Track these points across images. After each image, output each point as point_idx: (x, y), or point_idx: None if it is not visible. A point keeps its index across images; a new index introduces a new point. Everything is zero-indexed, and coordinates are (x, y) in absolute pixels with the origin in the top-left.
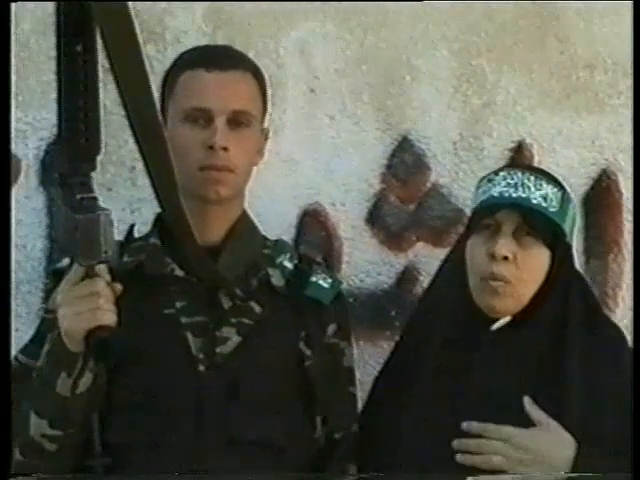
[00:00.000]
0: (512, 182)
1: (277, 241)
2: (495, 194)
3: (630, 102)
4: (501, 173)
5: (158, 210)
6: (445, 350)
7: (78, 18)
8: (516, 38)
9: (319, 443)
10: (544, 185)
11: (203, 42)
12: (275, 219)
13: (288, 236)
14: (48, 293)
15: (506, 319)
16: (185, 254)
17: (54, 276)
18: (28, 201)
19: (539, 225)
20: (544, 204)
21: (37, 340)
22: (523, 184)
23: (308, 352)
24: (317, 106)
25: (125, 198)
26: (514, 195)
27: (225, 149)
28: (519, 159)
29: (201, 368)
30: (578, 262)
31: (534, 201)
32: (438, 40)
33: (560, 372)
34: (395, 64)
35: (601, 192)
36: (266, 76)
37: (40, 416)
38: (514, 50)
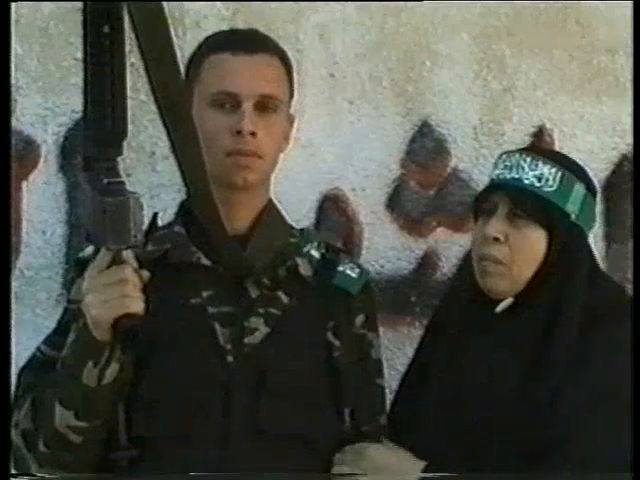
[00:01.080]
0: (509, 164)
1: (304, 229)
2: (494, 177)
3: None
4: (503, 156)
5: (177, 196)
6: (453, 334)
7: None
8: (537, 22)
9: (347, 435)
10: (540, 165)
11: (223, 27)
12: (295, 204)
13: (308, 221)
14: (71, 282)
15: (509, 301)
16: (213, 242)
17: (77, 265)
18: (47, 187)
19: (531, 205)
20: (537, 184)
21: (60, 331)
22: (518, 165)
23: (337, 343)
24: (337, 91)
25: (145, 184)
26: (507, 177)
27: (253, 134)
28: (540, 144)
29: (229, 359)
30: (599, 247)
31: (526, 181)
32: (458, 24)
33: (553, 360)
34: (415, 49)
35: (622, 177)
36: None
37: (66, 407)
38: (534, 34)
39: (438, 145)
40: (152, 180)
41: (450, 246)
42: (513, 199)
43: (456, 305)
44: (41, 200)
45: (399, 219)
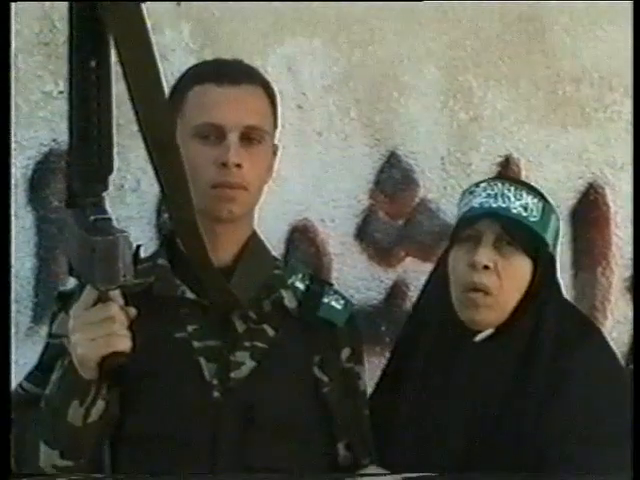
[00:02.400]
0: (492, 193)
1: (287, 261)
2: (476, 205)
3: (621, 114)
4: (482, 185)
5: (147, 229)
6: (430, 365)
7: (92, 33)
8: (502, 53)
9: (344, 468)
10: (524, 195)
11: (190, 59)
12: (265, 235)
13: (277, 252)
14: (52, 317)
15: (489, 331)
16: (198, 275)
17: (59, 299)
18: (16, 220)
19: (519, 234)
20: (524, 214)
21: (42, 367)
22: (503, 194)
23: (324, 378)
24: (305, 122)
25: (113, 216)
26: (494, 205)
27: (239, 166)
28: (507, 173)
29: (215, 394)
30: (567, 275)
31: (514, 211)
32: (425, 56)
33: (534, 386)
34: (382, 80)
35: (589, 205)
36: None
37: (50, 446)
38: (500, 65)
39: (406, 175)
40: (121, 213)
41: (419, 276)
42: (504, 227)
43: (428, 335)
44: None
45: (368, 249)
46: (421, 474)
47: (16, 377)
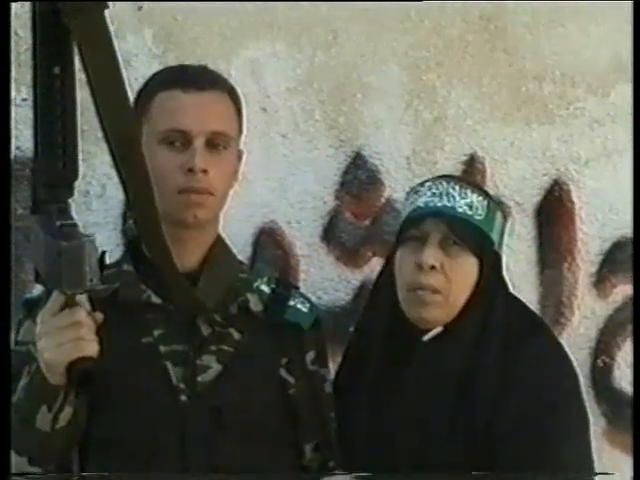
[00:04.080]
0: (437, 192)
1: (253, 265)
2: (421, 204)
3: (584, 111)
4: (427, 184)
5: (112, 234)
6: (379, 365)
7: (56, 39)
8: (465, 52)
9: (312, 470)
10: (469, 194)
11: (154, 64)
12: (231, 239)
13: (244, 255)
14: (18, 324)
15: (438, 330)
16: (164, 281)
17: (25, 306)
18: None
19: (465, 233)
20: (469, 212)
21: None
22: (448, 193)
23: (291, 379)
24: (270, 125)
25: (79, 223)
26: (439, 204)
27: (205, 171)
28: (471, 172)
29: (183, 398)
30: (533, 272)
31: (459, 209)
32: (388, 57)
33: (480, 384)
34: (346, 81)
35: (553, 202)
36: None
37: (19, 454)
38: (463, 64)
39: (371, 176)
40: (87, 219)
41: None
42: (450, 227)
43: (377, 335)
44: None
45: (335, 250)
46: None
47: None
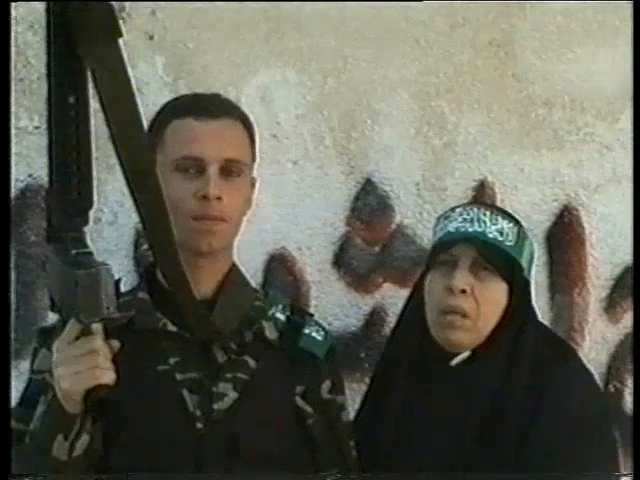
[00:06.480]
0: (468, 217)
1: (268, 293)
2: (452, 229)
3: (593, 136)
4: (457, 209)
5: (124, 262)
6: (408, 390)
7: (71, 69)
8: (474, 79)
9: None
10: (500, 220)
11: (165, 93)
12: (242, 265)
13: (255, 282)
14: (34, 352)
15: (465, 354)
16: (180, 308)
17: (40, 335)
18: None
19: (495, 259)
20: (500, 238)
21: (26, 403)
22: (479, 219)
23: (308, 409)
24: (280, 152)
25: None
26: (470, 230)
27: (219, 199)
28: (481, 198)
29: (199, 425)
30: (544, 297)
31: (490, 235)
32: (397, 83)
33: (512, 409)
34: (356, 108)
35: (564, 227)
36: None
37: None
38: (473, 90)
39: (382, 202)
40: (99, 246)
41: (397, 301)
42: (480, 252)
43: (406, 359)
44: None
45: (345, 276)
46: None
47: None
